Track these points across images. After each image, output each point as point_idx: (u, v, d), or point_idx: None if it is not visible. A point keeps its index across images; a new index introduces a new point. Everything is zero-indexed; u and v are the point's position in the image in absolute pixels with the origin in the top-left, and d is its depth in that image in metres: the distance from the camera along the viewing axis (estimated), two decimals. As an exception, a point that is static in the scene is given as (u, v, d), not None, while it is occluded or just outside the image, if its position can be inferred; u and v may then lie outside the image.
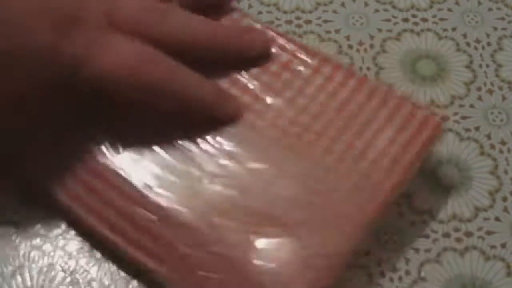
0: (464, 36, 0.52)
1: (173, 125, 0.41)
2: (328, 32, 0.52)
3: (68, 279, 0.41)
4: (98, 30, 0.38)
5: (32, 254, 0.42)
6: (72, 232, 0.42)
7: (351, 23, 0.52)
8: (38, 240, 0.42)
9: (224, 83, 0.43)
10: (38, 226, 0.42)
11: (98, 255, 0.42)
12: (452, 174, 0.46)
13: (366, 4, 0.53)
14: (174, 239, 0.36)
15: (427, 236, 0.44)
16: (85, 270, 0.42)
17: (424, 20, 0.53)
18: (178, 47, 0.40)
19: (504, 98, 0.49)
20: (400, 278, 0.42)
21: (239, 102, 0.42)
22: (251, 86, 0.42)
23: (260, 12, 0.52)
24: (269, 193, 0.37)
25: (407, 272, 0.43)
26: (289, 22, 0.52)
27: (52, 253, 0.42)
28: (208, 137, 0.40)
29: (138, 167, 0.39)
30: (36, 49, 0.36)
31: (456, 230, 0.44)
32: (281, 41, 0.44)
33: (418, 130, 0.40)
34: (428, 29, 0.52)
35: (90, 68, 0.37)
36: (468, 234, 0.44)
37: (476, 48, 0.51)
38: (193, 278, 0.35)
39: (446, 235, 0.44)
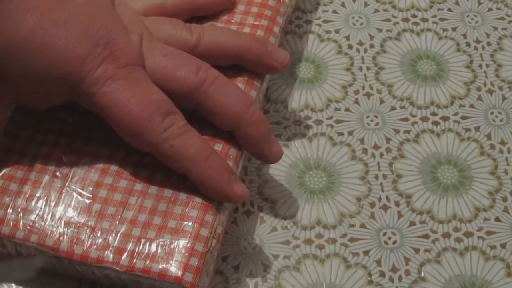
0: (464, 36, 0.52)
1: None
2: (328, 32, 0.52)
3: (68, 279, 0.41)
4: (126, 67, 0.38)
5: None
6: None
7: (351, 23, 0.52)
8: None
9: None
10: None
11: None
12: (452, 174, 0.46)
13: (366, 4, 0.53)
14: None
15: (427, 236, 0.44)
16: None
17: (424, 20, 0.53)
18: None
19: (504, 98, 0.49)
20: (400, 278, 0.42)
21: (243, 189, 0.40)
22: None
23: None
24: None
25: (407, 272, 0.43)
26: (289, 22, 0.52)
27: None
28: None
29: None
30: (67, 59, 0.37)
31: (456, 230, 0.44)
32: None
33: None
34: (428, 29, 0.52)
35: (99, 97, 0.38)
36: (468, 234, 0.44)
37: (476, 48, 0.51)
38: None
39: (446, 235, 0.44)
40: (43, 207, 0.39)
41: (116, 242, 0.38)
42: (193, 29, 0.42)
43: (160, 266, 0.37)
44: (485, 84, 0.50)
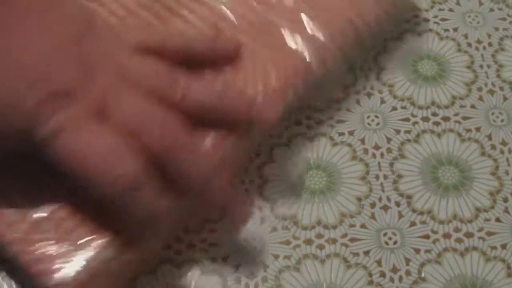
0: (465, 36, 0.52)
1: None
2: (329, 32, 0.52)
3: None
4: (82, 117, 0.35)
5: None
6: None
7: (352, 23, 0.52)
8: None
9: None
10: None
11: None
12: (453, 174, 0.46)
13: (367, 4, 0.53)
14: None
15: (427, 237, 0.44)
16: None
17: (425, 20, 0.52)
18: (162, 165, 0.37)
19: (505, 98, 0.49)
20: (400, 278, 0.42)
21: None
22: None
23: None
24: None
25: (408, 272, 0.43)
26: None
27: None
28: None
29: None
30: (14, 115, 0.35)
31: (457, 230, 0.44)
32: None
33: None
34: (429, 30, 0.52)
35: (54, 151, 0.35)
36: (469, 235, 0.44)
37: (477, 48, 0.51)
38: None
39: (447, 235, 0.44)
40: None
41: None
42: (178, 85, 0.39)
43: None
44: (486, 85, 0.50)
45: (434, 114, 0.48)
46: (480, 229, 0.44)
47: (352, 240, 0.44)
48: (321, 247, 0.43)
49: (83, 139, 0.35)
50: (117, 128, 0.36)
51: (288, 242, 0.43)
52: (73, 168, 0.35)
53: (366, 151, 0.47)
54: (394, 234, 0.44)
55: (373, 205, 0.45)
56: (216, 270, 0.42)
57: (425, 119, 0.48)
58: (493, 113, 0.48)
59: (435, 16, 0.53)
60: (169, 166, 0.37)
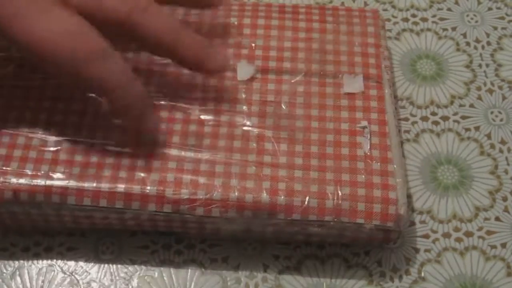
0: (464, 35, 0.52)
1: None
2: (327, 31, 0.52)
3: (68, 279, 0.41)
4: (44, 4, 0.37)
5: (31, 253, 0.42)
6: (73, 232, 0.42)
7: (351, 23, 0.52)
8: (37, 239, 0.42)
9: None
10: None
11: (99, 255, 0.42)
12: (452, 174, 0.46)
13: (365, 4, 0.53)
14: None
15: (427, 236, 0.44)
16: (85, 271, 0.42)
17: (424, 19, 0.53)
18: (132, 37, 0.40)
19: (504, 97, 0.49)
20: (400, 278, 0.42)
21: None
22: None
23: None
24: None
25: (408, 272, 0.43)
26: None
27: (51, 253, 0.42)
28: None
29: None
30: None
31: (457, 230, 0.44)
32: None
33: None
34: (428, 29, 0.52)
35: (12, 31, 0.36)
36: (469, 234, 0.44)
37: (476, 47, 0.51)
38: None
39: (447, 235, 0.44)
40: None
41: None
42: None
43: None
44: (485, 84, 0.50)
45: (433, 114, 0.48)
46: (480, 228, 0.44)
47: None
48: (321, 247, 0.43)
49: (41, 23, 0.36)
50: (76, 10, 0.37)
51: (288, 242, 0.43)
52: (31, 50, 0.36)
53: (365, 150, 0.47)
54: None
55: (372, 204, 0.45)
56: (216, 270, 0.42)
57: (424, 118, 0.48)
58: (492, 112, 0.48)
59: (434, 16, 0.53)
60: (137, 29, 0.38)
